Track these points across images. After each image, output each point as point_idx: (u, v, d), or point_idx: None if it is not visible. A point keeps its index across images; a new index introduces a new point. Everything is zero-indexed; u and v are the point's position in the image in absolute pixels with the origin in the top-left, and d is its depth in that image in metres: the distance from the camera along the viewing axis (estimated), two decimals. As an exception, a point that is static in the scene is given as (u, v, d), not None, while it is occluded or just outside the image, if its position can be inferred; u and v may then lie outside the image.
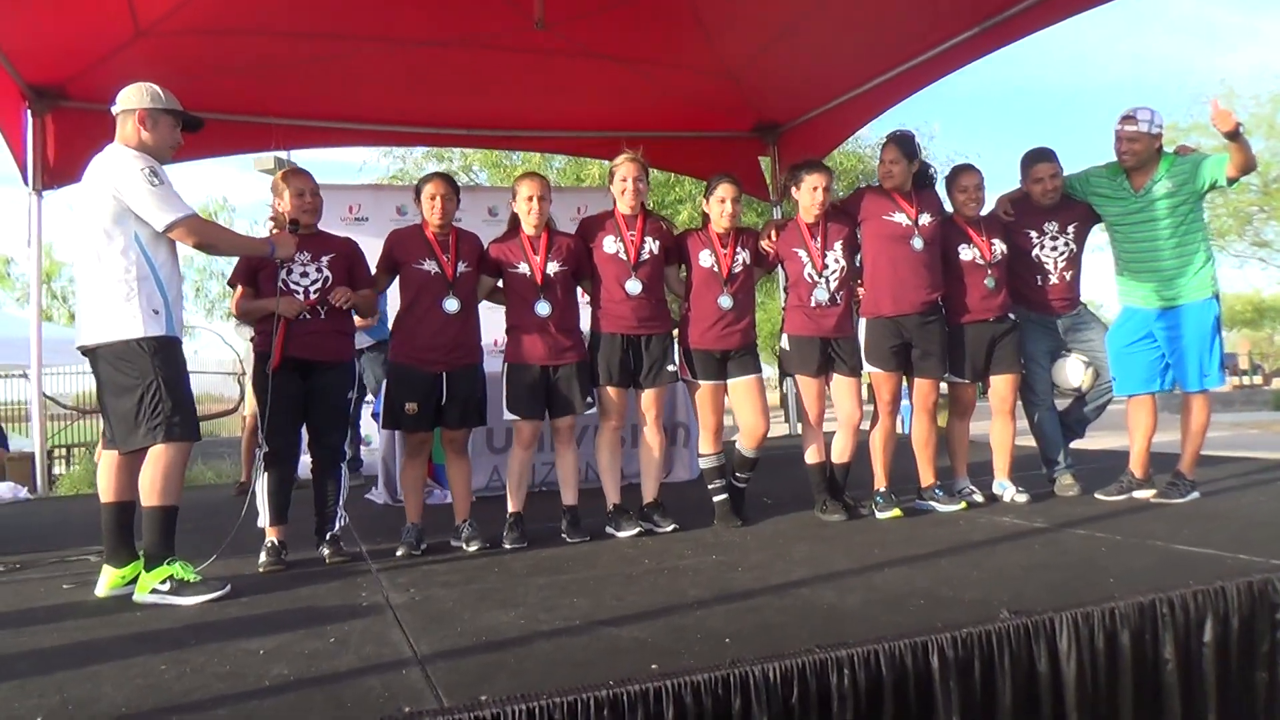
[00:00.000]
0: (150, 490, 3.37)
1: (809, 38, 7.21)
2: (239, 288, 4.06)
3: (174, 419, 3.38)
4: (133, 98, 3.55)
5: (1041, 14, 6.24)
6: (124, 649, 2.76)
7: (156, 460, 3.37)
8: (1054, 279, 4.75)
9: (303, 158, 13.29)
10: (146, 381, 3.36)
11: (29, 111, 6.99)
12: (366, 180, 13.82)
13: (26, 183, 7.00)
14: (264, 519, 4.00)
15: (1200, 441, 4.50)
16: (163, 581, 3.34)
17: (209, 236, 3.63)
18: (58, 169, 7.14)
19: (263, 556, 3.90)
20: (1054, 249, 4.74)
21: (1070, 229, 4.73)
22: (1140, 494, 4.55)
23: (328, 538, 4.07)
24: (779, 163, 9.09)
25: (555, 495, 4.49)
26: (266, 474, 4.00)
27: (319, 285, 3.99)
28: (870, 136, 13.97)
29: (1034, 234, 4.75)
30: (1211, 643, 2.84)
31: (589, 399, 4.28)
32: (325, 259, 4.06)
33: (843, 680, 2.42)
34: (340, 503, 4.16)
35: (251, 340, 4.20)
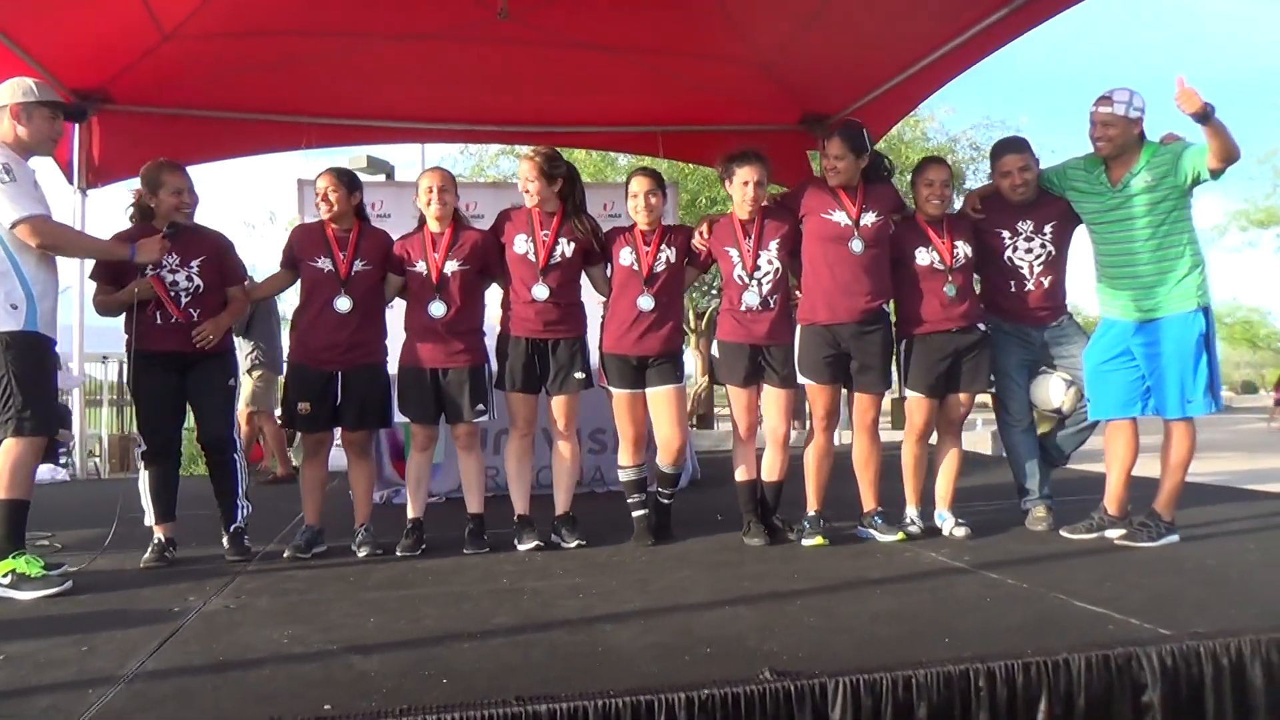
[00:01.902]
0: None
1: (839, 25, 6.76)
2: (99, 284, 3.99)
3: (24, 414, 3.41)
4: (5, 93, 3.60)
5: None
6: (-98, 642, 2.77)
7: (6, 454, 3.42)
8: (1030, 285, 4.20)
9: (381, 152, 13.59)
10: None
11: (77, 114, 7.33)
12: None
13: (71, 182, 7.38)
14: (149, 518, 4.00)
15: (1180, 477, 3.87)
16: (4, 575, 3.37)
17: (54, 238, 3.57)
18: (102, 168, 7.53)
19: (147, 553, 3.91)
20: (1029, 251, 4.20)
21: (1048, 229, 4.18)
22: (1111, 533, 3.97)
23: (231, 532, 4.04)
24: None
25: (540, 500, 4.31)
26: (147, 472, 4.00)
27: (190, 292, 3.93)
28: (955, 126, 13.09)
29: (1006, 234, 4.22)
30: (1046, 725, 2.39)
31: (480, 406, 4.08)
32: (196, 263, 3.96)
33: (540, 738, 2.15)
34: (241, 493, 4.11)
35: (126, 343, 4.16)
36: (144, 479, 3.98)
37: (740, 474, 4.23)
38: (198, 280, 3.94)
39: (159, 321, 3.88)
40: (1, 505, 3.42)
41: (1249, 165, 24.34)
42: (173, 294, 3.91)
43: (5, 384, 3.40)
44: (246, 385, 7.20)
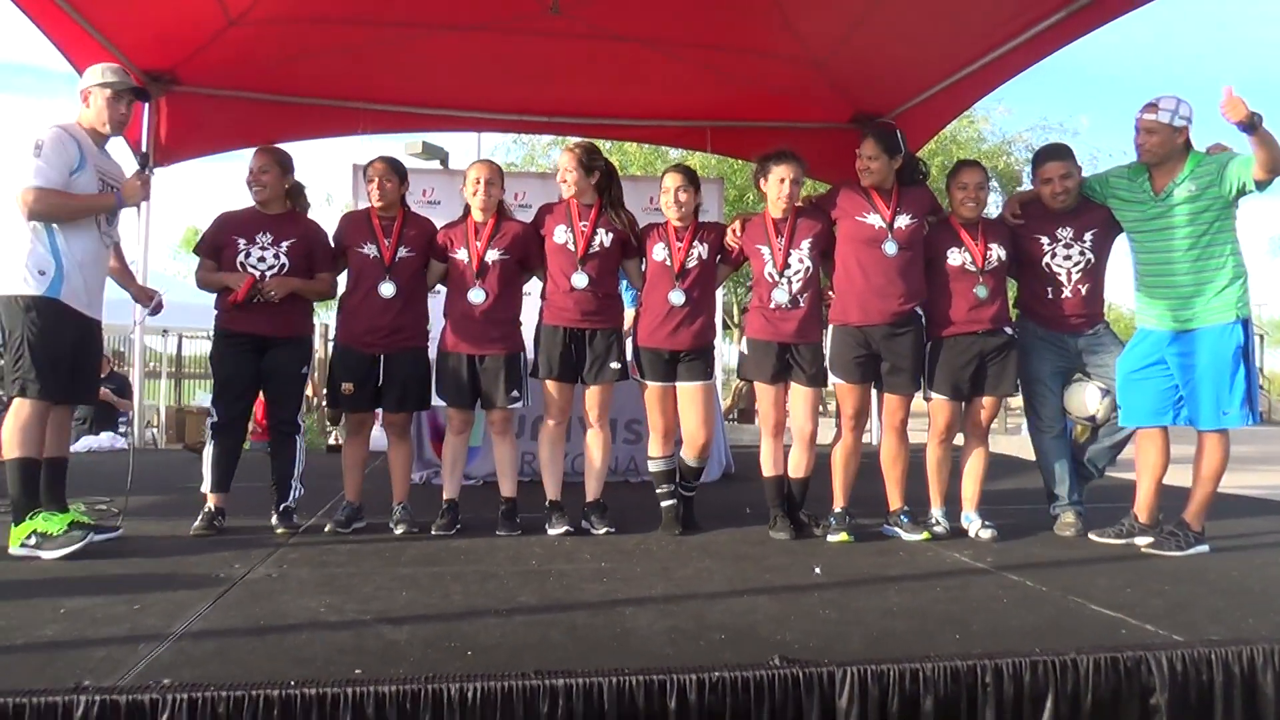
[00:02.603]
0: (7, 443, 3.62)
1: (893, 24, 6.75)
2: (202, 259, 4.22)
3: (29, 376, 3.58)
4: (82, 79, 3.78)
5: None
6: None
7: (13, 414, 3.62)
8: (1067, 292, 4.21)
9: (434, 139, 13.82)
10: (15, 336, 3.60)
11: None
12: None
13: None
14: (206, 484, 4.19)
15: (1212, 488, 3.86)
16: (29, 535, 3.55)
17: (43, 207, 3.62)
18: (168, 148, 7.80)
19: (197, 521, 4.10)
20: (1067, 258, 4.20)
21: (1088, 236, 4.18)
22: (1139, 541, 3.97)
23: (281, 509, 4.21)
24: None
25: (573, 487, 4.43)
26: (213, 442, 4.19)
27: (275, 271, 4.12)
28: (1011, 127, 12.88)
29: (1045, 241, 4.22)
30: (1051, 723, 2.43)
31: (515, 393, 4.20)
32: (286, 244, 4.16)
33: (555, 711, 2.25)
34: (297, 475, 4.28)
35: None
36: (209, 449, 4.17)
37: (767, 469, 4.29)
38: (284, 259, 4.13)
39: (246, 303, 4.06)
40: (13, 465, 3.59)
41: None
42: (258, 272, 4.09)
43: (19, 345, 3.57)
44: None
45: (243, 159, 4.38)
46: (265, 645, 2.52)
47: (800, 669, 2.37)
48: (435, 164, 13.65)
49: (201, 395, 15.86)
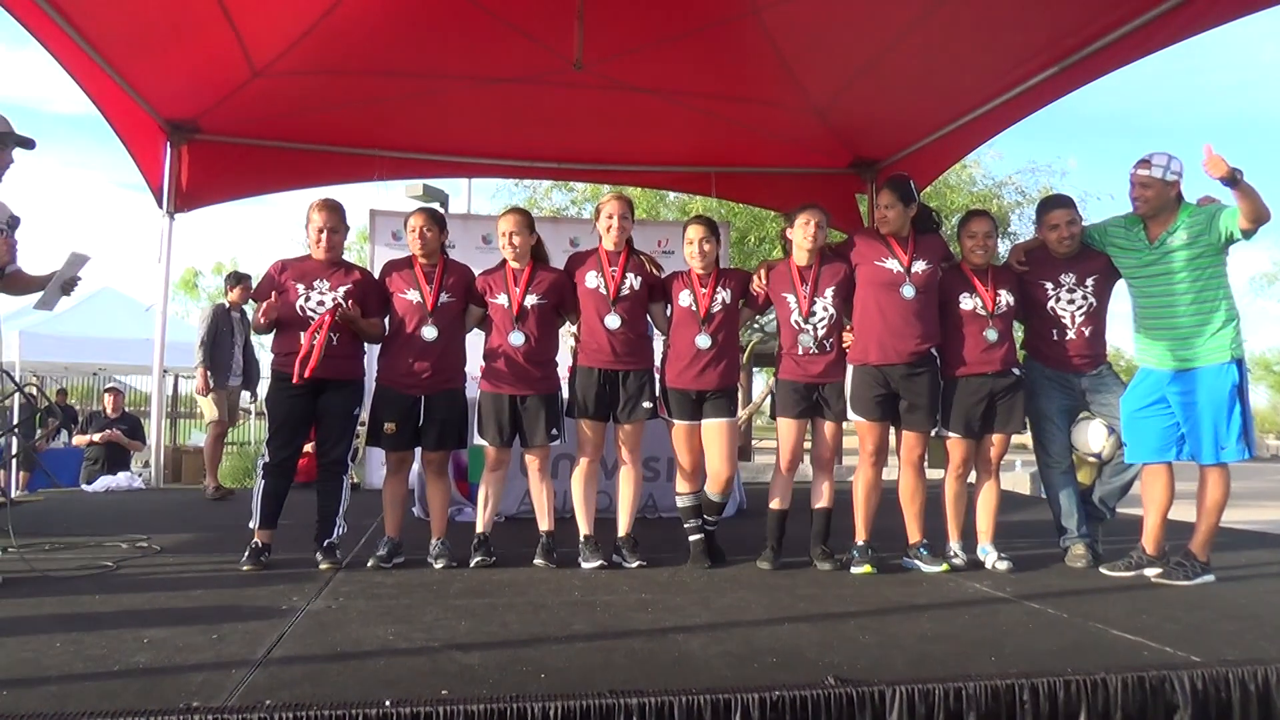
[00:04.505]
0: None
1: (893, 75, 7.07)
2: (262, 304, 4.36)
3: None
4: None
5: (1119, 52, 5.88)
6: (52, 625, 3.12)
7: None
8: (1071, 334, 4.46)
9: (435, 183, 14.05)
10: None
11: (168, 144, 7.81)
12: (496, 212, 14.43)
13: (161, 206, 7.85)
14: (254, 521, 4.34)
15: (1215, 520, 4.08)
16: None
17: None
18: (189, 194, 8.01)
19: (245, 556, 4.25)
20: (1071, 302, 4.45)
21: (1090, 281, 4.44)
22: (1149, 571, 4.18)
23: (324, 545, 4.36)
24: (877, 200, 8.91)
25: (605, 523, 4.60)
26: (264, 481, 4.34)
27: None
28: (1001, 170, 13.21)
29: (1050, 286, 4.48)
30: (1084, 738, 2.62)
31: (554, 431, 4.39)
32: (342, 289, 4.36)
33: (630, 727, 2.42)
34: (341, 513, 4.44)
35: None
36: (259, 487, 4.33)
37: (774, 502, 4.49)
38: (342, 302, 4.31)
39: (301, 343, 4.23)
40: None
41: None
42: (316, 315, 4.26)
43: None
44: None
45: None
46: (350, 669, 2.69)
47: (853, 688, 2.55)
48: (435, 206, 13.90)
49: (197, 435, 15.96)
